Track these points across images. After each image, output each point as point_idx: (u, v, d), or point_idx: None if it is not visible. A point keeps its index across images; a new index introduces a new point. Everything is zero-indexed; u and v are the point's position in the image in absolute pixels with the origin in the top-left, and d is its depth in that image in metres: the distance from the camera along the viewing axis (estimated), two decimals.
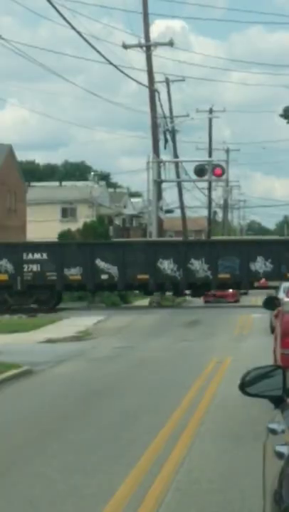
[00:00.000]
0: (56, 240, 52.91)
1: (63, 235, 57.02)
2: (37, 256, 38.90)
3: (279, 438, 4.03)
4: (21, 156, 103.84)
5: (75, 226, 62.01)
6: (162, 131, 47.76)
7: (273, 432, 4.24)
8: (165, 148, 49.18)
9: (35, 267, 38.80)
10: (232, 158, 79.02)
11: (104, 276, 38.34)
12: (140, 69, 46.17)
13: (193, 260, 38.35)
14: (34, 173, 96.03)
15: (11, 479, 8.41)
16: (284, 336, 12.32)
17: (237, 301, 45.66)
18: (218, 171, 44.48)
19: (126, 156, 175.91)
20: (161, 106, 48.41)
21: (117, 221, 73.81)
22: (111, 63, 40.16)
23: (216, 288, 39.59)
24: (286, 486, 3.34)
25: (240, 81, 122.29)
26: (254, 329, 27.21)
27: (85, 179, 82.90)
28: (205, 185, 63.63)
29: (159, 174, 44.72)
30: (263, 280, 38.30)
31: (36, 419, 11.96)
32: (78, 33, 32.73)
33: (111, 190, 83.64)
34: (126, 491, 7.75)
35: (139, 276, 38.20)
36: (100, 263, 38.53)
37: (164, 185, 47.41)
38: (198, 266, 38.28)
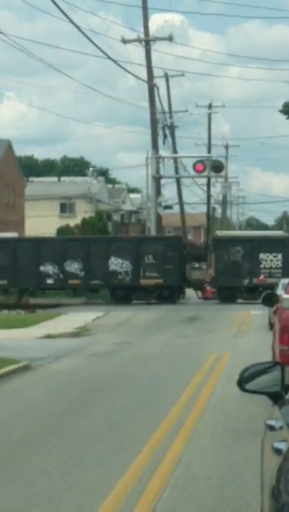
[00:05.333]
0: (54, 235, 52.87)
1: (62, 231, 57.04)
2: None
3: (277, 434, 4.03)
4: (20, 151, 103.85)
5: (73, 222, 62.03)
6: (161, 126, 47.73)
7: (271, 428, 4.24)
8: (164, 143, 49.19)
9: None
10: (231, 154, 79.00)
11: None
12: (139, 64, 46.22)
13: None
14: (33, 168, 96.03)
15: (9, 475, 8.41)
16: (282, 333, 12.32)
17: None
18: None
19: (125, 152, 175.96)
20: (160, 101, 48.43)
21: (116, 217, 73.80)
22: (110, 58, 40.13)
23: None
24: (284, 483, 3.35)
25: (240, 76, 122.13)
26: (253, 326, 27.21)
27: (84, 175, 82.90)
28: (204, 181, 63.53)
29: (157, 170, 44.70)
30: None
31: (35, 415, 11.97)
32: (77, 27, 32.69)
33: (110, 185, 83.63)
34: (124, 486, 7.75)
35: None
36: None
37: (162, 181, 47.39)
38: None
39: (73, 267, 38.94)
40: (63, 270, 38.93)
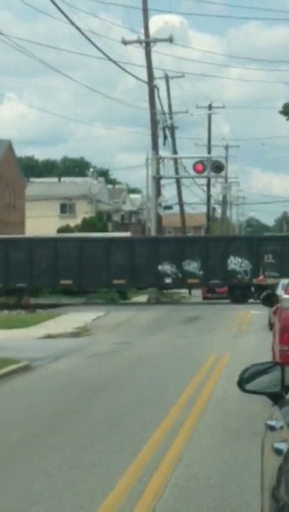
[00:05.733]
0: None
1: (62, 231, 57.02)
2: None
3: (277, 435, 4.04)
4: (20, 151, 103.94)
5: (74, 222, 62.03)
6: (161, 127, 47.74)
7: (272, 428, 4.25)
8: (164, 144, 49.20)
9: None
10: (231, 154, 78.98)
11: None
12: (139, 65, 46.19)
13: None
14: (33, 168, 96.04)
15: (9, 474, 8.42)
16: (282, 333, 12.32)
17: None
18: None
19: (125, 152, 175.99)
20: (161, 102, 48.44)
21: (116, 217, 73.80)
22: (110, 59, 40.16)
23: None
24: (284, 483, 3.36)
25: (240, 77, 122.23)
26: (253, 326, 27.21)
27: (84, 175, 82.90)
28: (204, 181, 63.55)
29: (158, 170, 44.69)
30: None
31: (35, 415, 11.98)
32: (77, 28, 32.71)
33: (110, 186, 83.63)
34: (124, 486, 7.76)
35: None
36: None
37: (162, 181, 47.38)
38: None
39: (192, 266, 38.63)
40: (182, 269, 38.64)
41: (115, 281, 39.05)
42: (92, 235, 44.55)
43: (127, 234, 45.63)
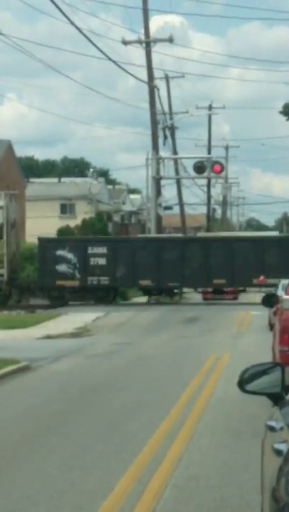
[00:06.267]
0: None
1: (62, 232, 57.02)
2: None
3: (277, 435, 4.04)
4: (20, 151, 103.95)
5: (73, 222, 61.99)
6: (161, 127, 47.76)
7: (272, 429, 4.26)
8: (164, 144, 49.23)
9: None
10: (231, 154, 78.98)
11: None
12: (139, 65, 46.21)
13: None
14: (33, 169, 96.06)
15: (9, 475, 8.43)
16: (282, 333, 12.32)
17: (236, 298, 45.60)
18: (216, 167, 44.39)
19: (125, 153, 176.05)
20: (161, 102, 48.47)
21: (116, 218, 73.78)
22: (110, 59, 40.17)
23: None
24: (284, 484, 3.36)
25: (240, 77, 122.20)
26: (253, 326, 27.21)
27: (84, 175, 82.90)
28: (204, 182, 63.53)
29: (158, 171, 44.70)
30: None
31: (35, 415, 11.98)
32: (78, 28, 32.73)
33: (110, 186, 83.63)
34: (124, 486, 7.76)
35: None
36: None
37: (163, 181, 47.39)
38: None
39: None
40: None
41: (269, 281, 38.93)
42: (243, 234, 43.56)
43: (276, 233, 44.99)
